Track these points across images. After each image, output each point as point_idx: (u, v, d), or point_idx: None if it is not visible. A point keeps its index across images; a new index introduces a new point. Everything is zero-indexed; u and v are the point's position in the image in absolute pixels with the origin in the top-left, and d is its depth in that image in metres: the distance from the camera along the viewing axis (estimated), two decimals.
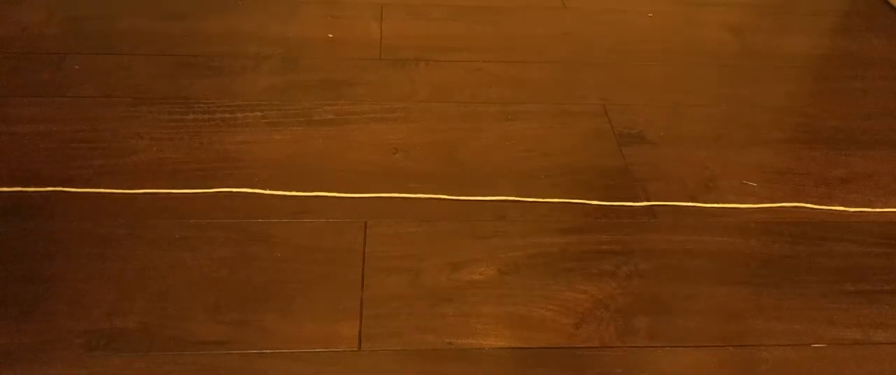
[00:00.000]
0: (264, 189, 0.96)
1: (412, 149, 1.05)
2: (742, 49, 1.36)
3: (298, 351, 0.78)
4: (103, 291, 0.82)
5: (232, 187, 0.96)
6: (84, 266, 0.84)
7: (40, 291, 0.81)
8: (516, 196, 0.98)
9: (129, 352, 0.76)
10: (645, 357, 0.80)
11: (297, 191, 0.96)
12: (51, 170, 0.96)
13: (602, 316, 0.83)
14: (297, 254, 0.88)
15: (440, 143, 1.06)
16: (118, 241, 0.88)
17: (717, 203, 0.99)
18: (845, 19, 1.48)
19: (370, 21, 1.34)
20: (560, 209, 0.97)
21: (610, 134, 1.10)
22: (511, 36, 1.34)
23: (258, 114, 1.09)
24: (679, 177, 1.03)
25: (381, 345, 0.79)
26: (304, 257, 0.87)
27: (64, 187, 0.94)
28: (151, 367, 0.75)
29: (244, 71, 1.18)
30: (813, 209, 1.00)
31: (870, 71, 1.31)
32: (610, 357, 0.79)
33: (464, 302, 0.84)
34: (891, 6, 1.52)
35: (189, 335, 0.78)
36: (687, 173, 1.04)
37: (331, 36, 1.29)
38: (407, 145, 1.06)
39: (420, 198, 0.97)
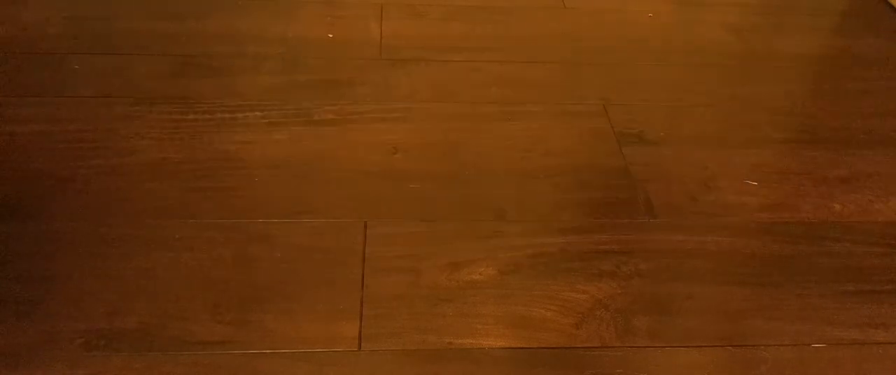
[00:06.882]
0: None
1: (412, 149, 1.05)
2: (742, 49, 1.36)
3: (298, 351, 0.78)
4: (103, 291, 0.82)
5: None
6: (84, 266, 0.84)
7: (40, 291, 0.81)
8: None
9: (128, 352, 0.76)
10: (645, 357, 0.80)
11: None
12: (51, 170, 0.96)
13: (602, 316, 0.83)
14: (297, 254, 0.88)
15: (440, 143, 1.06)
16: (118, 241, 0.88)
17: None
18: (845, 19, 1.48)
19: (370, 21, 1.34)
20: (560, 209, 0.97)
21: (610, 134, 1.10)
22: (511, 36, 1.34)
23: (258, 114, 1.09)
24: (679, 177, 1.03)
25: (381, 345, 0.79)
26: (304, 257, 0.87)
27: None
28: (151, 367, 0.75)
29: (244, 71, 1.18)
30: (813, 209, 1.00)
31: (870, 71, 1.31)
32: (610, 357, 0.79)
33: (464, 302, 0.84)
34: (891, 6, 1.51)
35: (189, 335, 0.78)
36: (687, 173, 1.04)
37: (331, 36, 1.29)
38: (407, 145, 1.05)
39: (420, 199, 0.97)
